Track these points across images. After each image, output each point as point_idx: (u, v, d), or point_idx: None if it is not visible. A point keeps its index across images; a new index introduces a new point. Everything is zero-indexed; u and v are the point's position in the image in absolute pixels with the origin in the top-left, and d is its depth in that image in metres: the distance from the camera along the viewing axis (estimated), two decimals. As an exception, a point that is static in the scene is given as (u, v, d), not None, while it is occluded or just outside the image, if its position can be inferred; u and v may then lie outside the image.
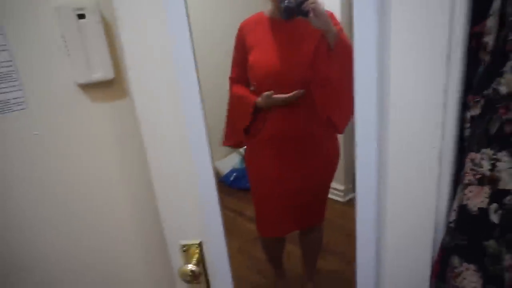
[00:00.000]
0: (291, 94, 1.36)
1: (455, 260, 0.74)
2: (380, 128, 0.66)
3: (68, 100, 0.75)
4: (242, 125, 1.50)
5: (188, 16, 0.62)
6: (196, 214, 0.77)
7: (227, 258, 0.78)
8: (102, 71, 0.73)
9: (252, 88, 1.51)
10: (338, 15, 2.16)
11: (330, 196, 2.62)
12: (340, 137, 2.43)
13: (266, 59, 1.38)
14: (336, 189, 2.62)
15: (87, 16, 0.68)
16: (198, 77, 0.66)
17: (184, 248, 0.80)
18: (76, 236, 0.89)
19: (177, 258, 0.81)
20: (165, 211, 0.79)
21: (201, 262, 0.79)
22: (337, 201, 2.62)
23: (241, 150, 1.93)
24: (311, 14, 1.20)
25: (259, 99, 1.42)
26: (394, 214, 0.72)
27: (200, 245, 0.80)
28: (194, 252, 0.80)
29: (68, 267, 0.89)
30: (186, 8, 0.62)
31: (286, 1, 1.20)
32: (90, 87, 0.76)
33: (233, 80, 1.54)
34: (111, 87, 0.78)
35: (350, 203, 2.59)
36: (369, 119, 0.64)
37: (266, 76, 1.38)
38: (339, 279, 1.97)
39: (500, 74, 0.69)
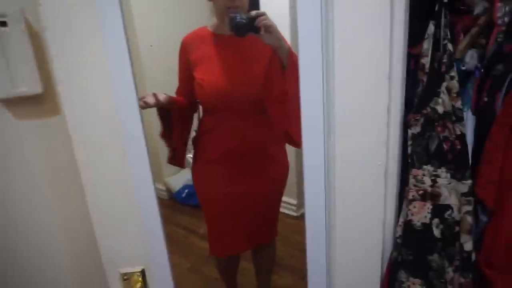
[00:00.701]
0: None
1: (402, 275, 0.76)
2: (328, 147, 0.66)
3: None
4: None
5: (124, 24, 0.58)
6: (137, 240, 0.72)
7: (172, 286, 0.73)
8: (27, 85, 0.65)
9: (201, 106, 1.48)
10: (287, 36, 2.20)
11: (283, 210, 2.63)
12: (293, 152, 2.47)
13: (215, 77, 1.35)
14: (289, 204, 2.63)
15: (9, 24, 0.61)
16: (137, 90, 0.62)
17: (125, 277, 0.74)
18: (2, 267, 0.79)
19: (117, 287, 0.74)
20: (103, 237, 0.72)
21: (144, 291, 0.73)
22: (290, 215, 2.63)
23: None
24: (262, 31, 1.19)
25: None
26: (343, 230, 0.72)
27: (142, 272, 0.74)
28: (136, 281, 0.74)
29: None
30: (123, 15, 0.57)
31: (238, 18, 1.16)
32: (13, 103, 0.68)
33: (178, 95, 1.50)
34: (39, 102, 0.70)
35: (303, 217, 2.61)
36: (317, 139, 0.64)
37: (215, 95, 1.35)
38: (293, 294, 1.96)
39: (437, 94, 0.73)
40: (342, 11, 0.61)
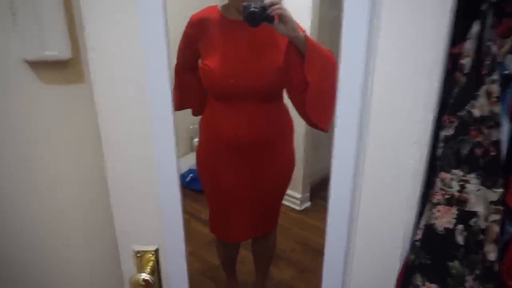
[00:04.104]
0: None
1: (418, 279, 0.74)
2: (359, 141, 0.63)
3: (13, 78, 0.65)
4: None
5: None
6: (154, 218, 0.70)
7: (186, 268, 0.72)
8: (57, 49, 0.63)
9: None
10: (308, 17, 2.15)
11: (286, 203, 2.63)
12: (301, 146, 2.45)
13: (221, 64, 1.30)
14: (293, 197, 2.63)
15: (44, -17, 0.59)
16: (169, 63, 0.60)
17: (138, 255, 0.73)
18: (17, 235, 0.78)
19: (129, 265, 0.73)
20: (119, 212, 0.71)
21: (156, 271, 0.72)
22: (293, 209, 2.63)
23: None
24: (276, 20, 1.14)
25: None
26: (364, 226, 0.71)
27: (156, 252, 0.72)
28: (149, 260, 0.73)
29: (8, 269, 0.78)
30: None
31: (251, 7, 1.11)
32: (41, 66, 0.66)
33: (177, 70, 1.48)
34: (67, 68, 0.68)
35: (306, 212, 2.61)
36: (350, 131, 0.62)
37: (220, 82, 1.31)
38: (292, 287, 1.96)
39: (475, 97, 0.70)
40: (390, 2, 0.58)
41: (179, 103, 1.53)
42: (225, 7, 1.33)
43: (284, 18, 1.14)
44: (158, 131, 0.63)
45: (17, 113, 0.69)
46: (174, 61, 1.43)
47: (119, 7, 0.57)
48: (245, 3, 1.11)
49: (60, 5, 0.60)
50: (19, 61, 0.64)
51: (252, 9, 1.10)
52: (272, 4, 1.11)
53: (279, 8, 1.12)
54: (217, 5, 1.36)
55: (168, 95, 0.60)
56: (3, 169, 0.72)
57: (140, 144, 0.65)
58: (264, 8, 1.11)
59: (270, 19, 1.12)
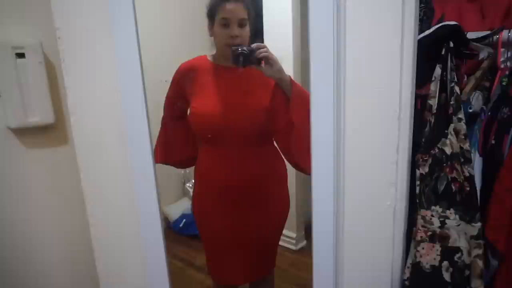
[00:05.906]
0: None
1: (410, 320, 0.73)
2: (337, 188, 0.65)
3: (-3, 145, 0.66)
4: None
5: (140, 58, 0.59)
6: (140, 275, 0.69)
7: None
8: (40, 115, 0.65)
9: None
10: (290, 61, 2.23)
11: (282, 243, 2.57)
12: (293, 185, 2.44)
13: (209, 107, 1.33)
14: (288, 237, 2.58)
15: (27, 55, 0.62)
16: (149, 124, 0.62)
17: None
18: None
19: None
20: (104, 269, 0.70)
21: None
22: (289, 249, 2.57)
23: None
24: (263, 63, 1.20)
25: None
26: (350, 270, 0.70)
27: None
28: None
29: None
30: (139, 50, 0.59)
31: (239, 49, 1.19)
32: (25, 132, 0.68)
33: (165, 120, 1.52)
34: (51, 132, 0.70)
35: (302, 251, 2.55)
36: (326, 180, 0.63)
37: (208, 125, 1.33)
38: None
39: (445, 135, 0.73)
40: (353, 50, 0.62)
41: (164, 156, 1.53)
42: (213, 56, 1.39)
43: (270, 61, 1.19)
44: (141, 193, 0.64)
45: (0, 178, 0.69)
46: (152, 124, 1.44)
47: (100, 73, 0.61)
48: (233, 47, 1.18)
49: (44, 75, 0.64)
50: (3, 129, 0.66)
51: (240, 51, 1.17)
52: (259, 48, 1.18)
53: (266, 52, 1.18)
54: (205, 55, 1.41)
55: (149, 152, 0.62)
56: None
57: (123, 204, 0.66)
58: (251, 51, 1.17)
59: (257, 61, 1.19)
